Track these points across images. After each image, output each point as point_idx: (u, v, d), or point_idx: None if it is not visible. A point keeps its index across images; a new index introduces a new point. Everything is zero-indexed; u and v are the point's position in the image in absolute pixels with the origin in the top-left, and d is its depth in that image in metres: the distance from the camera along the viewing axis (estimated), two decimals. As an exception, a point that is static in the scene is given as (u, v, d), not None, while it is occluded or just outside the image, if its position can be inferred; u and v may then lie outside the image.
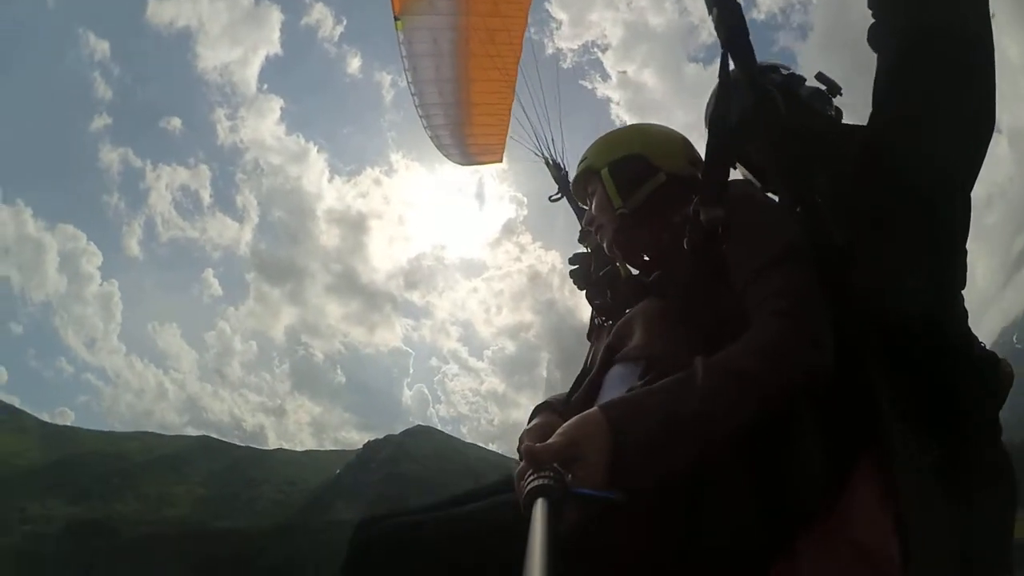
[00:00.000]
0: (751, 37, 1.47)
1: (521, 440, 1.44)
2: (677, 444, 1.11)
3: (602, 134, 1.92)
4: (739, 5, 1.45)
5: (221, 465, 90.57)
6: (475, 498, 1.47)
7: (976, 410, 1.42)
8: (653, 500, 1.12)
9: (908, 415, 1.30)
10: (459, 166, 3.69)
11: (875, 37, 1.48)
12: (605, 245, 1.88)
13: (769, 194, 1.65)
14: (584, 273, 2.13)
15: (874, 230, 1.40)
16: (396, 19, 2.91)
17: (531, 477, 0.99)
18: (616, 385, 1.46)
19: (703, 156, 1.47)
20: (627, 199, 1.77)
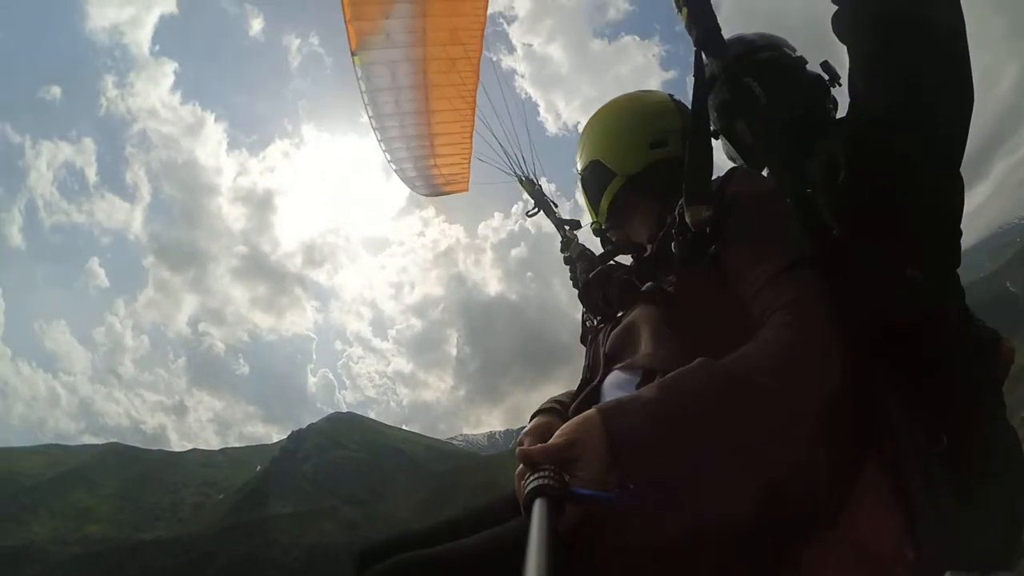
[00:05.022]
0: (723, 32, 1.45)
1: (521, 442, 1.47)
2: (672, 443, 1.09)
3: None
4: (709, 2, 1.44)
5: (133, 472, 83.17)
6: (475, 521, 1.45)
7: (981, 394, 1.42)
8: (653, 503, 1.10)
9: (914, 406, 1.32)
10: (404, 178, 3.59)
11: (843, 26, 1.44)
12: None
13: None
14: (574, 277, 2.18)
15: (872, 221, 1.38)
16: (353, 54, 2.89)
17: (531, 478, 0.99)
18: (614, 393, 1.46)
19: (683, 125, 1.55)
20: (597, 210, 1.83)
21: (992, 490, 1.38)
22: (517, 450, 1.16)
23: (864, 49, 1.40)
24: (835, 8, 1.45)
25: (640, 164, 1.70)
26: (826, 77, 1.77)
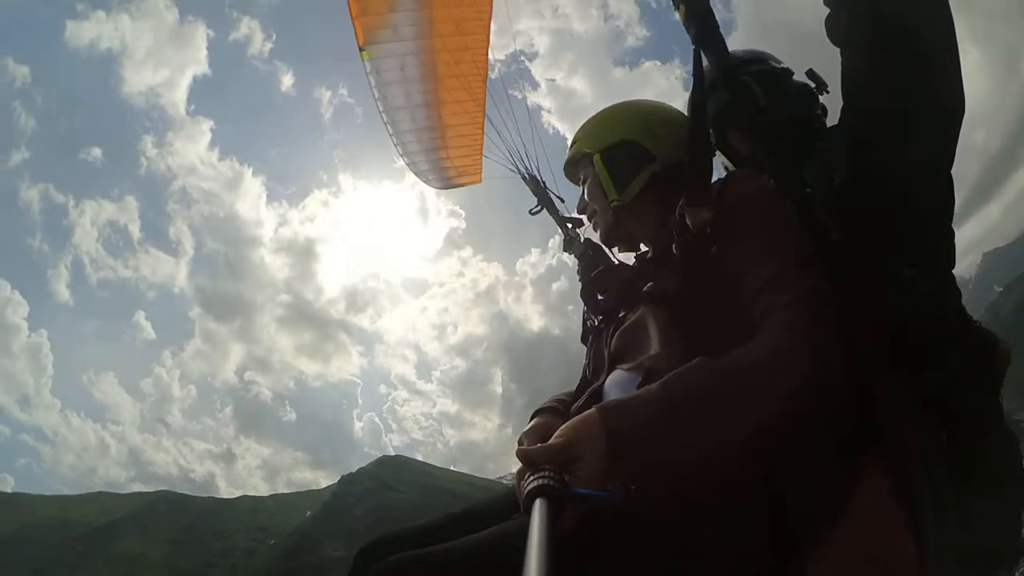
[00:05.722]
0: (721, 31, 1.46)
1: (520, 442, 1.46)
2: (672, 442, 1.08)
3: (595, 113, 1.81)
4: (707, 0, 1.42)
5: (186, 520, 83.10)
6: (476, 518, 1.43)
7: (980, 393, 1.40)
8: (654, 504, 1.09)
9: (914, 405, 1.29)
10: (433, 187, 3.59)
11: (835, 31, 1.41)
12: (600, 235, 1.81)
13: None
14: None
15: (869, 222, 1.36)
16: (361, 49, 2.90)
17: (531, 478, 0.98)
18: (617, 393, 1.42)
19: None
20: (622, 191, 1.69)
21: (991, 489, 1.39)
22: (517, 450, 1.15)
23: (854, 53, 1.41)
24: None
25: (680, 155, 1.65)
26: (812, 85, 1.79)
